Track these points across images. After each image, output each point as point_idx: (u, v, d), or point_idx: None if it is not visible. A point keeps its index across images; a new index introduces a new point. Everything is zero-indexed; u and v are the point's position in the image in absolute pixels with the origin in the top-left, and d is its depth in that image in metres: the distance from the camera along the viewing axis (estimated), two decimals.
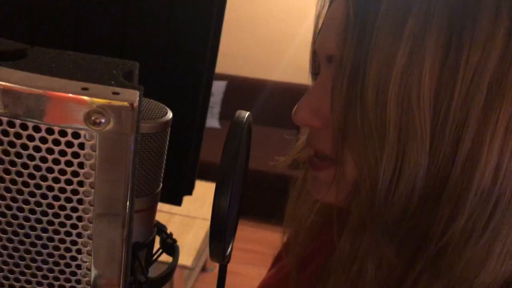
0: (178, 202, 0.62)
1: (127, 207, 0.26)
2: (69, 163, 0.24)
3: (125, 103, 0.23)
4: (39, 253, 0.26)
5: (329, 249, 0.58)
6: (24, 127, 0.23)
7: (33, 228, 0.26)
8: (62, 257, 0.27)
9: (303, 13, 3.51)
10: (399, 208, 0.39)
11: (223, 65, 3.64)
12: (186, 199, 0.62)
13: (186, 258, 2.03)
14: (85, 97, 0.23)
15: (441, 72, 0.36)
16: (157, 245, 0.55)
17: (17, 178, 0.25)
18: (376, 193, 0.39)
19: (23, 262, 0.26)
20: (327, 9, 0.48)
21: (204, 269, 2.65)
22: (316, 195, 0.49)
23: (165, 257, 0.55)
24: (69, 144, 0.24)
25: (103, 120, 0.23)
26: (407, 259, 0.40)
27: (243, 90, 3.70)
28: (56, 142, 0.24)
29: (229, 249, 0.52)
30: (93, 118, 0.23)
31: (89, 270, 0.27)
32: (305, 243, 0.59)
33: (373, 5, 0.38)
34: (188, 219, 2.29)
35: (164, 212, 2.24)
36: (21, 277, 0.27)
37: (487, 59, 0.35)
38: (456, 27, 0.36)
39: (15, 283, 0.27)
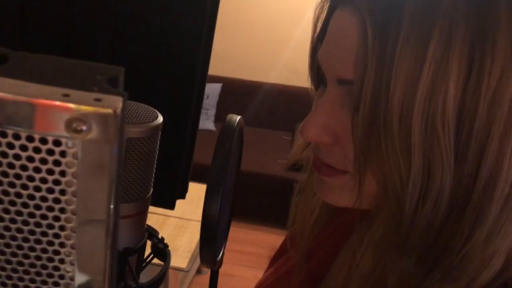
0: (171, 206, 0.61)
1: (112, 215, 0.25)
2: (50, 171, 0.24)
3: (108, 110, 0.22)
4: (20, 263, 0.26)
5: (331, 242, 0.59)
6: (3, 134, 0.23)
7: (14, 238, 0.25)
8: (44, 267, 0.26)
9: (299, 16, 3.51)
10: (424, 225, 0.39)
11: (218, 67, 3.64)
12: (180, 201, 0.61)
13: (181, 260, 2.02)
14: (65, 104, 0.22)
15: (464, 94, 0.37)
16: (149, 249, 0.54)
17: None
18: (403, 215, 0.39)
19: (3, 273, 0.26)
20: (326, 15, 0.48)
21: (199, 271, 2.64)
22: (322, 197, 0.50)
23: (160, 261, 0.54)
24: (50, 152, 0.23)
25: (84, 128, 0.22)
26: (426, 269, 0.41)
27: (238, 92, 3.70)
28: (37, 150, 0.23)
29: (221, 254, 0.52)
30: (74, 125, 0.22)
31: (73, 280, 0.26)
32: (310, 237, 0.60)
33: (393, 29, 0.37)
34: (183, 221, 2.28)
35: (159, 215, 2.24)
36: (1, 287, 0.26)
37: (508, 76, 0.36)
38: (477, 48, 0.36)
39: None
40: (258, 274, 0.69)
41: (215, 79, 3.68)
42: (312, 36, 0.50)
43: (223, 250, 0.53)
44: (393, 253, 0.42)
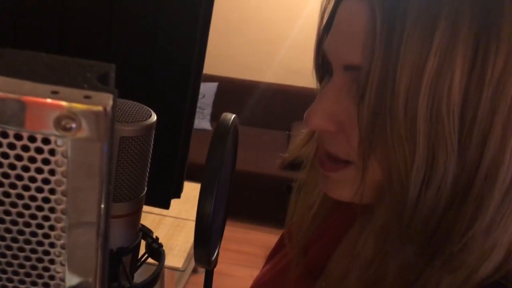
0: (166, 206, 0.61)
1: (102, 215, 0.25)
2: (39, 170, 0.23)
3: (97, 107, 0.22)
4: (9, 264, 0.25)
5: (329, 236, 0.60)
6: None
7: (2, 238, 0.25)
8: (34, 267, 0.26)
9: (294, 15, 3.52)
10: (427, 212, 0.40)
11: (214, 66, 3.64)
12: (177, 201, 0.61)
13: (177, 260, 2.02)
14: (54, 101, 0.22)
15: (469, 82, 0.37)
16: (143, 249, 0.54)
17: None
18: (406, 200, 0.40)
19: None
20: (333, 6, 0.48)
21: (195, 270, 2.64)
22: (328, 192, 0.50)
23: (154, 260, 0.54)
24: (39, 150, 0.23)
25: (73, 125, 0.22)
26: (426, 258, 0.41)
27: (234, 91, 3.70)
28: (25, 148, 0.23)
29: (215, 254, 0.52)
30: (63, 123, 0.22)
31: (63, 281, 0.26)
32: (308, 232, 0.61)
33: (400, 16, 0.38)
34: (179, 220, 2.27)
35: (155, 214, 2.23)
36: None
37: (511, 68, 0.36)
38: (482, 36, 0.37)
39: None
40: (254, 273, 0.69)
41: (211, 79, 3.67)
42: (318, 28, 0.50)
43: (218, 250, 0.52)
44: (395, 240, 0.42)
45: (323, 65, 0.50)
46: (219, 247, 0.53)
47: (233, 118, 0.47)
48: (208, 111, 3.67)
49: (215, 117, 3.65)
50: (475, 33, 0.37)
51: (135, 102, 0.46)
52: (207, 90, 3.65)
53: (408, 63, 0.38)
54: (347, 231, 0.58)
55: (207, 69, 0.58)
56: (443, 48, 0.37)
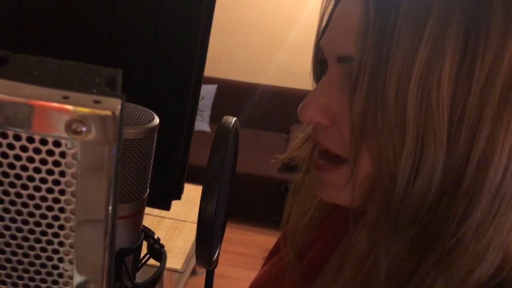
0: (166, 207, 0.62)
1: (110, 215, 0.26)
2: (50, 172, 0.24)
3: (107, 112, 0.23)
4: (20, 262, 0.26)
5: (325, 241, 0.59)
6: (3, 135, 0.23)
7: (14, 237, 0.25)
8: (43, 265, 0.26)
9: (293, 17, 3.53)
10: (416, 203, 0.40)
11: (213, 69, 3.65)
12: (176, 202, 0.61)
13: (175, 261, 2.02)
14: (65, 106, 0.22)
15: (458, 73, 0.38)
16: (144, 250, 0.54)
17: None
18: (394, 189, 0.40)
19: (3, 271, 0.26)
20: (332, 7, 0.49)
21: (194, 272, 2.64)
22: (325, 197, 0.50)
23: (155, 261, 0.55)
24: (50, 153, 0.24)
25: (84, 129, 0.23)
26: (419, 254, 0.42)
27: (233, 94, 3.71)
28: (37, 151, 0.24)
29: (216, 254, 0.52)
30: (74, 127, 0.23)
31: (71, 278, 0.27)
32: (304, 236, 0.61)
33: (393, 6, 0.39)
34: (178, 222, 2.28)
35: (154, 216, 2.24)
36: (1, 286, 0.27)
37: (501, 61, 0.37)
38: (472, 29, 0.37)
39: None
40: (251, 275, 0.70)
41: (210, 81, 3.68)
42: (318, 31, 0.51)
43: (219, 251, 0.53)
44: (385, 233, 0.42)
45: (321, 67, 0.51)
46: (220, 248, 0.54)
47: (234, 121, 0.48)
48: (207, 113, 3.67)
49: (214, 119, 3.66)
50: (465, 25, 0.37)
51: (138, 105, 0.47)
52: (206, 92, 3.66)
53: (400, 51, 0.38)
54: (344, 235, 0.59)
55: (206, 71, 0.59)
56: (434, 38, 0.37)
